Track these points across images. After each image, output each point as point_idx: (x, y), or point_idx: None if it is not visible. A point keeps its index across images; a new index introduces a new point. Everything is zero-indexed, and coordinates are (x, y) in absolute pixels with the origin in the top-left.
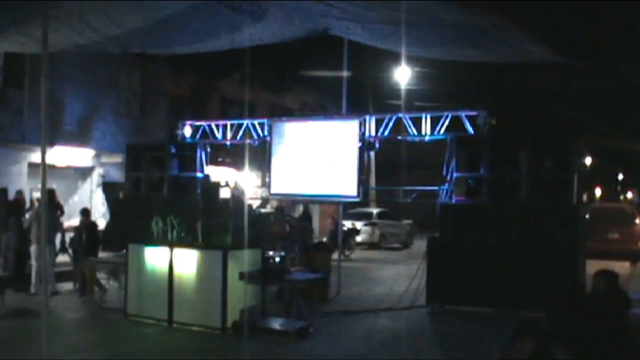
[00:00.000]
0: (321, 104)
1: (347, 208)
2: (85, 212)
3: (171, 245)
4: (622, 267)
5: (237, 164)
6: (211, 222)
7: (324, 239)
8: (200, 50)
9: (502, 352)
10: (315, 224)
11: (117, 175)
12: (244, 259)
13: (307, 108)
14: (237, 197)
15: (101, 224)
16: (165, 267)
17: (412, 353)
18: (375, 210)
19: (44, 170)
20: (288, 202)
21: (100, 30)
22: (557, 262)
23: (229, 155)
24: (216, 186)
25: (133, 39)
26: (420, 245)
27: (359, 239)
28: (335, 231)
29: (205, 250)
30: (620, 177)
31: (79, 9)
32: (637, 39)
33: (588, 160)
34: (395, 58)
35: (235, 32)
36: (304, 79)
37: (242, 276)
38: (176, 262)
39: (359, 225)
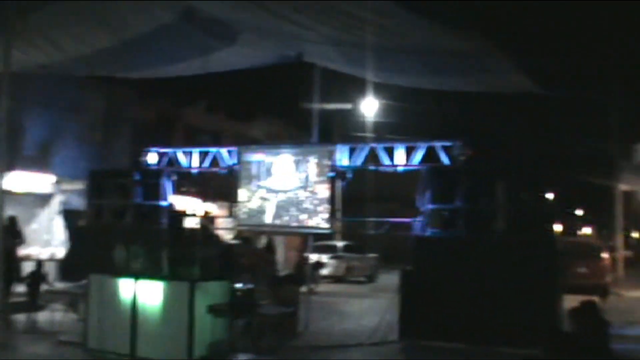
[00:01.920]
0: (288, 134)
1: (312, 240)
2: None
3: (135, 276)
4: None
5: (202, 194)
6: (178, 253)
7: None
8: (169, 75)
9: None
10: (279, 256)
11: (79, 203)
12: (212, 292)
13: (273, 138)
14: (206, 227)
15: (60, 253)
16: (128, 299)
17: None
18: (340, 244)
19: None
20: (253, 233)
21: (65, 49)
22: (534, 297)
23: (193, 185)
24: (183, 215)
25: (100, 60)
26: (385, 279)
27: (324, 272)
28: (301, 264)
29: (171, 281)
30: (579, 213)
31: (44, 24)
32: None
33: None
34: (364, 89)
35: (206, 56)
36: (271, 109)
37: (210, 309)
38: (140, 294)
39: (324, 258)
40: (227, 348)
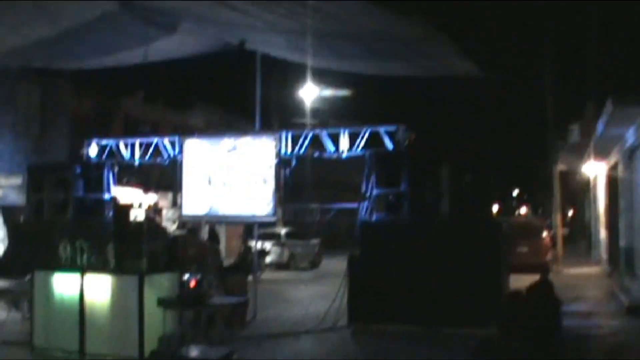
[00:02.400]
0: (227, 123)
1: (255, 229)
2: None
3: (82, 271)
4: (533, 280)
5: (144, 185)
6: (125, 246)
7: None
8: (109, 65)
9: None
10: (222, 245)
11: (16, 199)
12: (160, 284)
13: (213, 127)
14: (152, 219)
15: None
16: (75, 295)
17: None
18: (283, 231)
19: None
20: (196, 223)
21: (0, 40)
22: (482, 278)
23: (134, 176)
24: (128, 208)
25: (37, 51)
26: (328, 264)
27: (267, 259)
28: (245, 252)
29: (119, 275)
30: (515, 192)
31: None
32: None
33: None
34: (303, 76)
35: (147, 45)
36: (210, 97)
37: (160, 302)
38: (87, 289)
39: (267, 245)
40: (178, 341)
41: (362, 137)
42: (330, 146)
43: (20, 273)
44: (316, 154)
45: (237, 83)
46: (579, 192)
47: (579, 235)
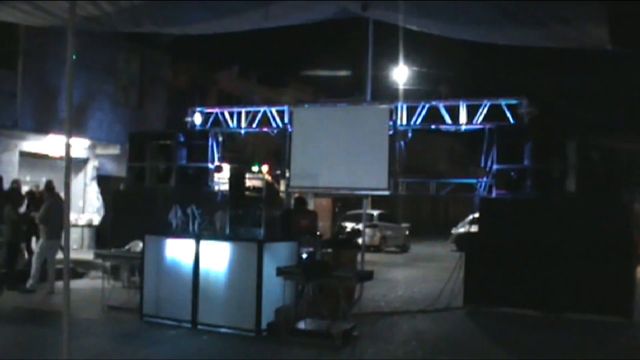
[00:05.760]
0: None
1: (344, 209)
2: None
3: (197, 237)
4: None
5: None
6: (240, 213)
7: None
8: (216, 31)
9: None
10: None
11: (112, 169)
12: (279, 254)
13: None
14: (271, 185)
15: (95, 219)
16: (189, 262)
17: (473, 355)
18: (375, 212)
19: (68, 160)
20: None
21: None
22: (610, 262)
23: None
24: (244, 173)
25: (146, 12)
26: (417, 249)
27: (359, 240)
28: (338, 232)
29: (238, 242)
30: None
31: None
32: None
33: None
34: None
35: (264, 8)
36: (301, 75)
37: (280, 272)
38: (203, 256)
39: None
40: (296, 314)
41: (482, 110)
42: (448, 119)
43: (118, 242)
44: (433, 127)
45: (334, 60)
46: None
47: None
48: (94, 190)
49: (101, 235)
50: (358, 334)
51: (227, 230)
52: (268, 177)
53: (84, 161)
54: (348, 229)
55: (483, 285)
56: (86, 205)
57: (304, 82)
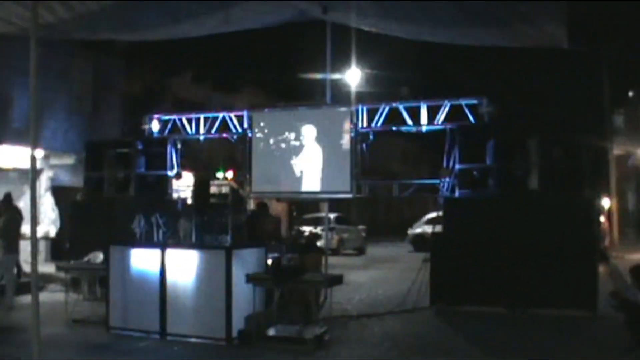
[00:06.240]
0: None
1: (300, 213)
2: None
3: (163, 246)
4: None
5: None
6: (206, 220)
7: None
8: (175, 36)
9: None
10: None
11: (67, 179)
12: (247, 260)
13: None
14: (236, 190)
15: (52, 231)
16: (156, 272)
17: (447, 353)
18: (332, 215)
19: (33, 172)
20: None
21: (72, 5)
22: (573, 257)
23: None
24: (209, 180)
25: (104, 18)
26: (374, 251)
27: (318, 244)
28: (296, 235)
29: (205, 250)
30: None
31: None
32: None
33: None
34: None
35: (216, 13)
36: (255, 80)
37: (250, 278)
38: (169, 266)
39: (317, 230)
40: (266, 320)
41: (443, 111)
42: (409, 120)
43: (79, 253)
44: (394, 128)
45: (288, 65)
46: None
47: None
48: (49, 201)
49: (58, 247)
50: (330, 337)
51: (194, 238)
52: (233, 184)
53: (38, 172)
54: (306, 233)
55: (449, 285)
56: (42, 217)
57: (259, 86)
